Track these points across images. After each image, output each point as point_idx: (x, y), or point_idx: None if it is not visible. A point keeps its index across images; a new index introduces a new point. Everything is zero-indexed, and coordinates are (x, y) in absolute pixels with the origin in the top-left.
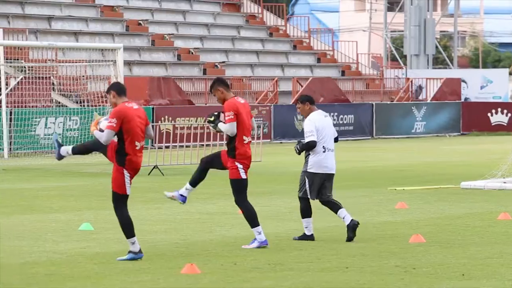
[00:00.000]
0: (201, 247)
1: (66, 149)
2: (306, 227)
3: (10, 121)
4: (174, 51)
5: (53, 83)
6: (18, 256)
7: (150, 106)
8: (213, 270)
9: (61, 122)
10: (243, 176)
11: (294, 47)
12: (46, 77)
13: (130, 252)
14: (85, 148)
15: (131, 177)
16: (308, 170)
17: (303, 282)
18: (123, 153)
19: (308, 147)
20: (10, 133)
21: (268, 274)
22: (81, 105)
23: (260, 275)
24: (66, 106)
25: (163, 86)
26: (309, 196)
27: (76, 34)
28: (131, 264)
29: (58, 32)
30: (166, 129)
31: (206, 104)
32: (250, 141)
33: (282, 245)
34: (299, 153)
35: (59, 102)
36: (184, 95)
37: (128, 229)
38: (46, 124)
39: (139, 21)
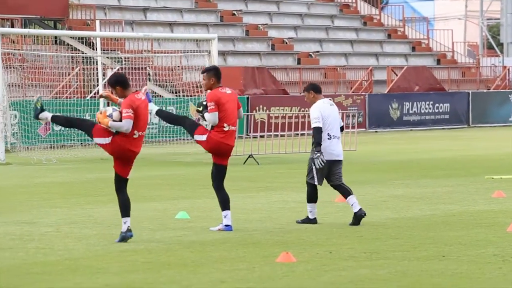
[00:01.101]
0: (296, 235)
1: (46, 115)
2: (310, 211)
3: None
4: (268, 41)
5: (149, 74)
6: (116, 244)
7: (245, 96)
8: (308, 259)
9: None
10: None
11: (389, 36)
12: (142, 68)
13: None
14: (67, 122)
15: (122, 159)
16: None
17: (399, 271)
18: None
19: (315, 134)
20: None
21: (364, 262)
22: (176, 95)
23: (356, 263)
24: (162, 96)
25: (258, 76)
26: (315, 182)
27: (171, 25)
28: (227, 253)
29: (154, 23)
30: (261, 118)
31: (300, 93)
32: (234, 130)
33: (378, 234)
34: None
35: (155, 92)
36: (278, 84)
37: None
38: None
39: (233, 12)
